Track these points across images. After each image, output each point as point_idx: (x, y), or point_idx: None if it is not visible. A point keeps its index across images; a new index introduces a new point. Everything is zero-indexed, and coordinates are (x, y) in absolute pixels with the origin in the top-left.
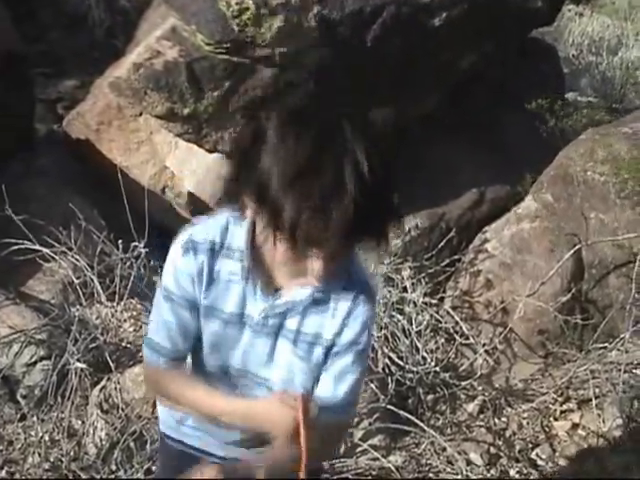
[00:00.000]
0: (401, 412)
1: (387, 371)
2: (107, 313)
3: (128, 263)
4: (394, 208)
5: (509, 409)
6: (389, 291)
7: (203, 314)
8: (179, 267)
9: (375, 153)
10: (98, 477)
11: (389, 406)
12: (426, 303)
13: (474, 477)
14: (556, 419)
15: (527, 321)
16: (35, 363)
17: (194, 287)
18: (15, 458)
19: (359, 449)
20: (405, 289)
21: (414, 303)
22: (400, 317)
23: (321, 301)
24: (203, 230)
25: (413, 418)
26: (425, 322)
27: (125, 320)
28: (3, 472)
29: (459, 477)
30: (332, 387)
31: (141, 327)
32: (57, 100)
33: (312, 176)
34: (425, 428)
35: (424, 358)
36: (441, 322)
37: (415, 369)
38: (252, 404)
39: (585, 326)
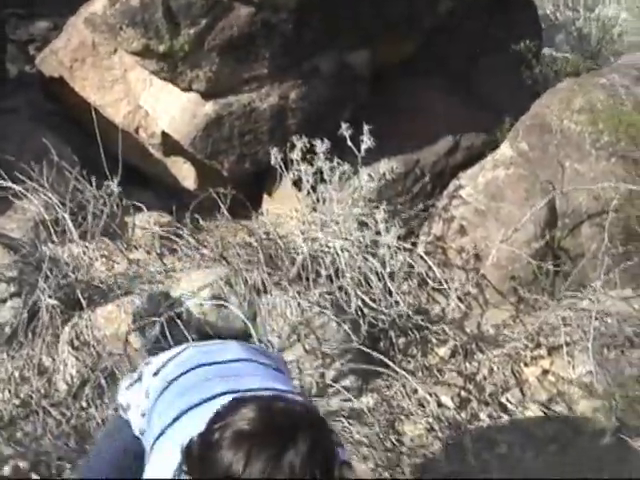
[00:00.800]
0: (374, 353)
1: (360, 313)
2: (79, 251)
3: (101, 201)
4: None
5: (480, 354)
6: (362, 234)
7: None
8: None
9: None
10: (69, 413)
11: (361, 347)
12: (399, 247)
13: (445, 419)
14: (526, 365)
15: (500, 268)
16: (5, 300)
17: None
18: None
19: (331, 390)
20: (379, 232)
21: (387, 246)
22: (373, 260)
23: None
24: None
25: (385, 359)
26: (398, 265)
27: (97, 259)
28: None
29: (430, 419)
30: None
31: (113, 266)
32: (29, 41)
33: None
34: (397, 370)
35: (397, 301)
36: (414, 266)
37: (387, 311)
38: None
39: (557, 274)
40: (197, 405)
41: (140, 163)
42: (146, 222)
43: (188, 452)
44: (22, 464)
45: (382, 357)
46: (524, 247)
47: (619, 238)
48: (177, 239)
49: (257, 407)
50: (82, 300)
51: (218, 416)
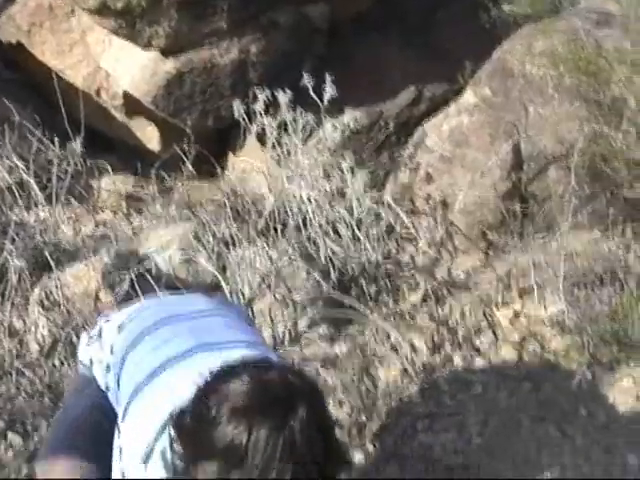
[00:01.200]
0: (345, 300)
1: (329, 262)
2: (45, 215)
3: (65, 162)
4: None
5: (451, 299)
6: (329, 183)
7: None
8: None
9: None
10: (41, 373)
11: (332, 295)
12: (366, 192)
13: (420, 363)
14: (498, 307)
15: (467, 214)
16: None
17: None
18: None
19: (304, 338)
20: (345, 181)
21: (354, 193)
22: (340, 207)
23: None
24: None
25: (357, 306)
26: (365, 211)
27: (64, 222)
28: None
29: (404, 363)
30: None
31: (80, 229)
32: None
33: None
34: (369, 315)
35: (365, 248)
36: (381, 215)
37: (357, 259)
38: None
39: (525, 216)
40: (171, 361)
41: (104, 127)
42: (112, 184)
43: (180, 425)
44: None
45: (354, 303)
46: (491, 192)
47: (585, 180)
48: (143, 199)
49: (251, 379)
50: (50, 261)
51: (208, 387)
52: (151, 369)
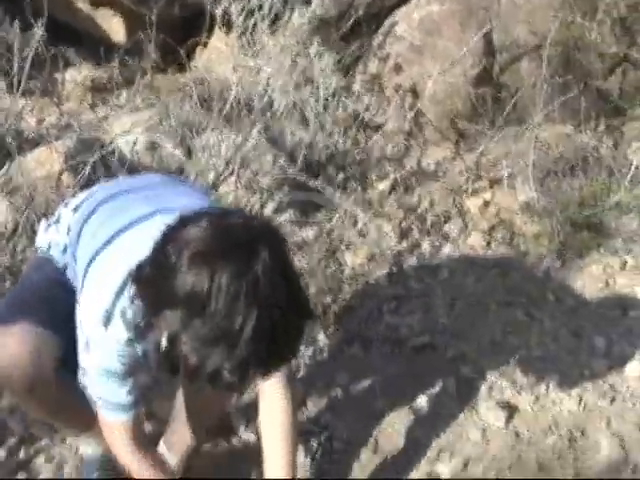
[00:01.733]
0: (312, 183)
1: (296, 148)
2: (8, 104)
3: (27, 49)
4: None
5: (420, 188)
6: (295, 68)
7: None
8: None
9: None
10: (2, 256)
11: (299, 179)
12: (334, 72)
13: (387, 249)
14: (468, 197)
15: (437, 103)
16: None
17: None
18: None
19: None
20: (312, 66)
21: (321, 77)
22: (306, 92)
23: None
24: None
25: (324, 191)
26: (332, 96)
27: (26, 112)
28: None
29: (372, 248)
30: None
31: (44, 119)
32: None
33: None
34: (337, 199)
35: (332, 135)
36: (348, 103)
37: (324, 144)
38: None
39: (497, 107)
40: (129, 225)
41: (68, 18)
42: (77, 75)
43: (139, 277)
44: None
45: (321, 189)
46: (461, 80)
47: (558, 71)
48: (108, 89)
49: (211, 224)
50: (12, 148)
51: (167, 236)
52: (107, 236)
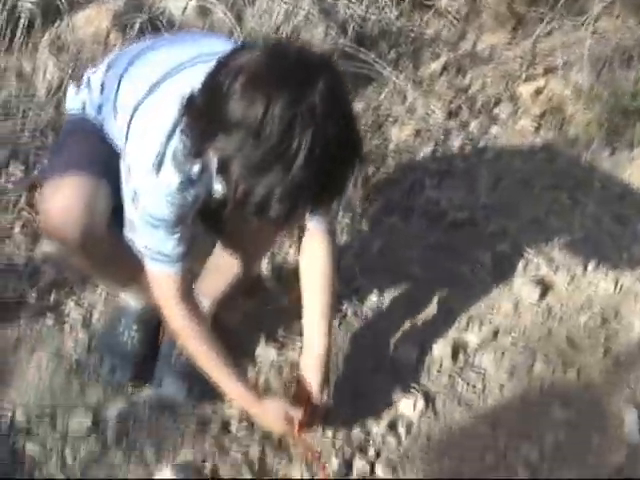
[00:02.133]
0: (364, 55)
1: (348, 20)
2: None
3: None
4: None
5: (473, 71)
6: None
7: None
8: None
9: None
10: (47, 113)
11: (350, 48)
12: None
13: (434, 126)
14: (521, 83)
15: None
16: None
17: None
18: None
19: None
20: None
21: None
22: None
23: None
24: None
25: (376, 61)
26: None
27: None
28: None
29: (421, 125)
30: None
31: None
32: None
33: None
34: (386, 72)
35: (386, 11)
36: None
37: (377, 18)
38: (255, 404)
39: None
40: (173, 71)
41: None
42: None
43: (190, 107)
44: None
45: (372, 62)
46: None
47: None
48: None
49: (268, 51)
50: (62, 6)
51: (220, 64)
52: (150, 84)
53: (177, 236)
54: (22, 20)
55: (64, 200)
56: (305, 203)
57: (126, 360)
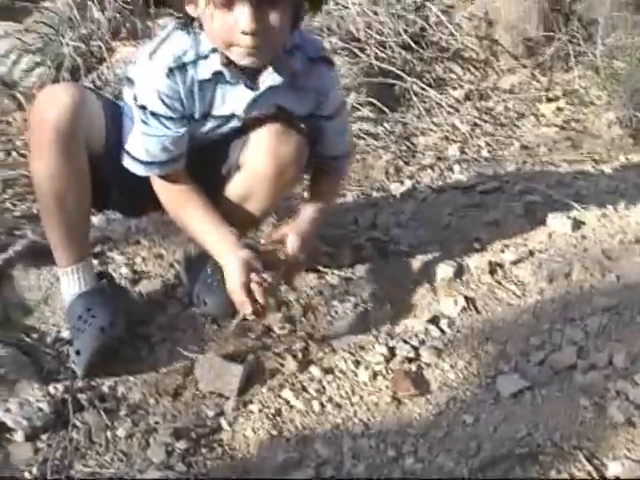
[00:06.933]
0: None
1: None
2: None
3: None
4: None
5: (496, 96)
6: None
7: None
8: (164, 91)
9: None
10: None
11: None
12: None
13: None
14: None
15: (511, 28)
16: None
17: (183, 104)
18: None
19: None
20: None
21: None
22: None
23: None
24: (176, 48)
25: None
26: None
27: None
28: None
29: (444, 133)
30: (339, 143)
31: None
32: None
33: None
34: (410, 80)
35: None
36: (427, 31)
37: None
38: (226, 257)
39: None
40: None
41: None
42: None
43: None
44: None
45: (397, 81)
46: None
47: None
48: None
49: None
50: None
51: None
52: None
53: (168, 140)
54: (65, 64)
55: (57, 89)
56: None
57: None
